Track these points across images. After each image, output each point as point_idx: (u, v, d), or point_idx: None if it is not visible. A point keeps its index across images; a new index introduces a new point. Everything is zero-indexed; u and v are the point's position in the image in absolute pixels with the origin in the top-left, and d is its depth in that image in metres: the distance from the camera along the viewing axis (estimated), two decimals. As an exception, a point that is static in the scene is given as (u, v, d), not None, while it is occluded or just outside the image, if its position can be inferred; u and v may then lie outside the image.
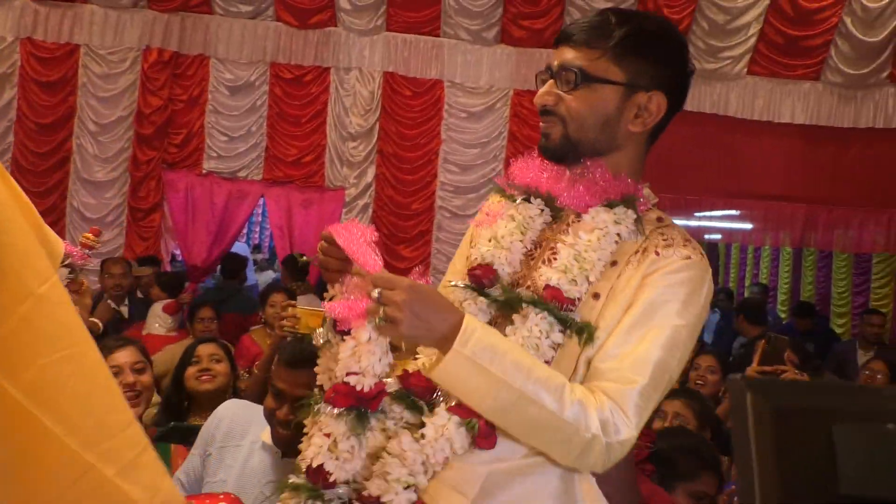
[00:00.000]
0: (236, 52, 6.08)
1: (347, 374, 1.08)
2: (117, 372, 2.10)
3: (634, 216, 1.17)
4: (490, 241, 1.21)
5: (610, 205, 1.18)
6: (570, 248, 1.16)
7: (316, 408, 1.14)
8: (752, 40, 5.71)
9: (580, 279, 1.14)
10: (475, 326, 1.07)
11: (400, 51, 6.02)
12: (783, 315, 8.41)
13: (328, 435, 1.09)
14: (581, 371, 1.13)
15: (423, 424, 1.12)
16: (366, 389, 1.08)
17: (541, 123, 1.22)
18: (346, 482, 1.12)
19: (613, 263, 1.16)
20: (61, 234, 5.87)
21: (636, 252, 1.17)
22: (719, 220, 7.79)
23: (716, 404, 3.06)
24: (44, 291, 0.88)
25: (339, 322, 1.12)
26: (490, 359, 1.05)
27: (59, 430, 0.86)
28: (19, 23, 5.95)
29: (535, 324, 1.12)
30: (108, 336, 2.91)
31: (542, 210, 1.23)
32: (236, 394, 2.79)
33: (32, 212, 1.01)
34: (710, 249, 10.31)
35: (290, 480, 1.15)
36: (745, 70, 5.82)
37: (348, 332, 1.10)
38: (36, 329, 0.87)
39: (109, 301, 4.55)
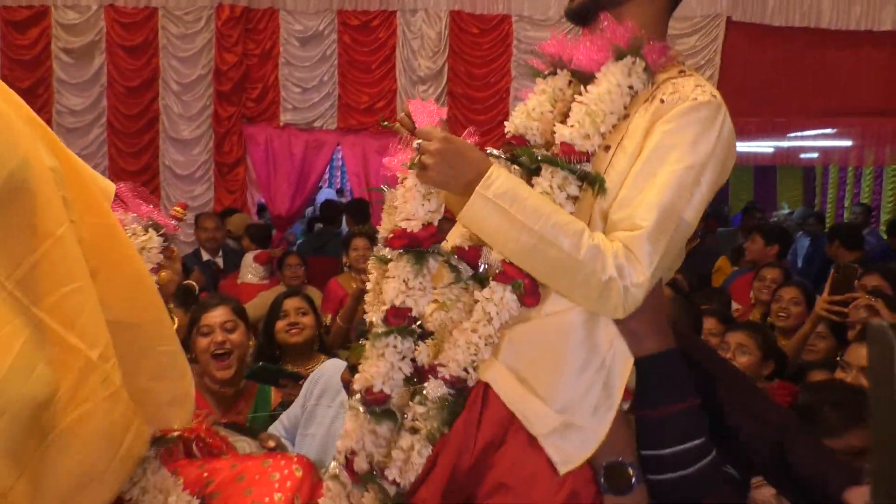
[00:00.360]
0: (304, 3, 6.12)
1: (401, 221, 1.21)
2: (208, 332, 2.24)
3: (643, 64, 1.19)
4: (523, 114, 1.28)
5: (618, 56, 1.20)
6: (581, 105, 1.19)
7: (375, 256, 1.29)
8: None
9: (592, 133, 1.17)
10: (499, 173, 1.15)
11: (466, -12, 5.89)
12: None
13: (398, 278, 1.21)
14: (598, 224, 1.18)
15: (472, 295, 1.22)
16: (415, 231, 1.19)
17: None
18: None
19: (626, 116, 1.19)
20: (156, 191, 6.25)
21: (645, 101, 1.19)
22: (814, 139, 7.33)
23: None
24: (61, 233, 1.06)
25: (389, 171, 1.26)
26: (511, 202, 1.13)
27: (83, 345, 1.08)
28: (96, -14, 6.20)
29: (549, 179, 1.18)
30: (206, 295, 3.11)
31: (570, 81, 1.26)
32: (322, 344, 2.98)
33: (72, 162, 1.18)
34: (807, 172, 9.75)
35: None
36: (839, -24, 5.35)
37: None
38: (54, 264, 1.06)
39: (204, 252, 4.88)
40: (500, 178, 1.15)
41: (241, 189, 6.39)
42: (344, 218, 6.04)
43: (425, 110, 1.26)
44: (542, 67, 1.31)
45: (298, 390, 2.26)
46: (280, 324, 2.80)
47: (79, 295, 1.08)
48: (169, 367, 1.30)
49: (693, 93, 1.17)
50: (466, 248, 1.24)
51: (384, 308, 1.21)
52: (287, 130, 6.31)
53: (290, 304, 2.84)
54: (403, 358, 1.21)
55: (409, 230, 1.19)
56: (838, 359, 2.21)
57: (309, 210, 8.48)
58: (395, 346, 1.20)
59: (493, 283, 1.19)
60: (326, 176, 9.67)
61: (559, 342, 1.18)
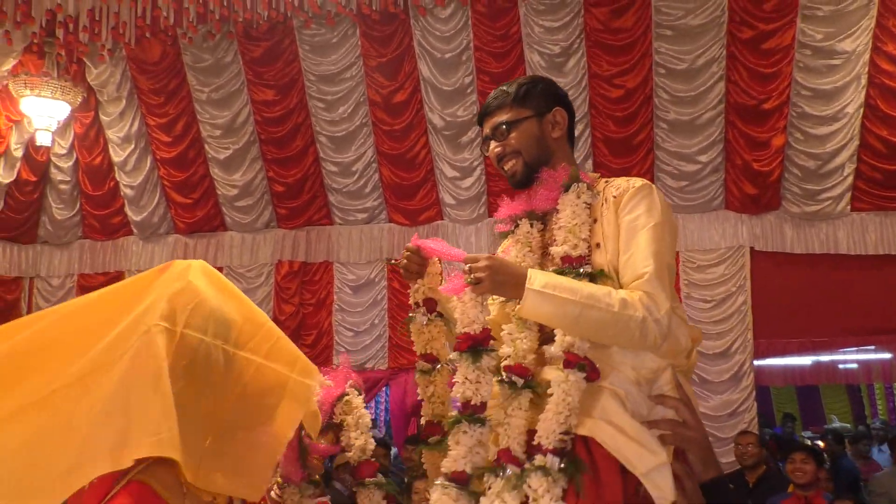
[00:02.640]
0: (356, 255, 6.69)
1: (463, 328, 1.53)
2: None
3: (585, 184, 1.63)
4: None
5: (566, 187, 1.63)
6: (561, 229, 1.59)
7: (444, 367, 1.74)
8: (850, 179, 5.76)
9: (578, 242, 1.57)
10: (535, 273, 1.50)
11: (503, 234, 6.45)
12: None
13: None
14: None
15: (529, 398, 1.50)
16: (477, 333, 1.52)
17: (505, 169, 1.72)
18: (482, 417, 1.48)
19: (595, 221, 1.61)
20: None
21: (601, 205, 1.62)
22: (853, 354, 7.43)
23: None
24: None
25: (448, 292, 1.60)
26: (553, 288, 1.47)
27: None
28: (172, 255, 6.85)
29: None
30: None
31: (532, 224, 1.66)
32: None
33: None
34: (852, 389, 9.64)
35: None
36: (849, 207, 5.83)
37: (436, 313, 1.75)
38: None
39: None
40: (539, 275, 1.50)
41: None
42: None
43: (437, 244, 1.70)
44: (502, 229, 1.73)
45: None
46: None
47: None
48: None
49: (628, 183, 1.62)
50: (513, 365, 1.52)
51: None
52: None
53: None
54: (478, 442, 1.47)
55: (471, 333, 1.52)
56: None
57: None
58: (466, 432, 1.46)
59: (563, 369, 1.46)
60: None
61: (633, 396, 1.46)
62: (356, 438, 1.68)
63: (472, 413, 1.47)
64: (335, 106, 6.32)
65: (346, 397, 1.69)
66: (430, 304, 1.78)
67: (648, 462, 1.39)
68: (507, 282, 1.49)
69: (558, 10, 5.79)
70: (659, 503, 1.37)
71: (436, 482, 1.49)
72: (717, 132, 5.87)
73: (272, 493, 1.61)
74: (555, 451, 1.41)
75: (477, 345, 1.51)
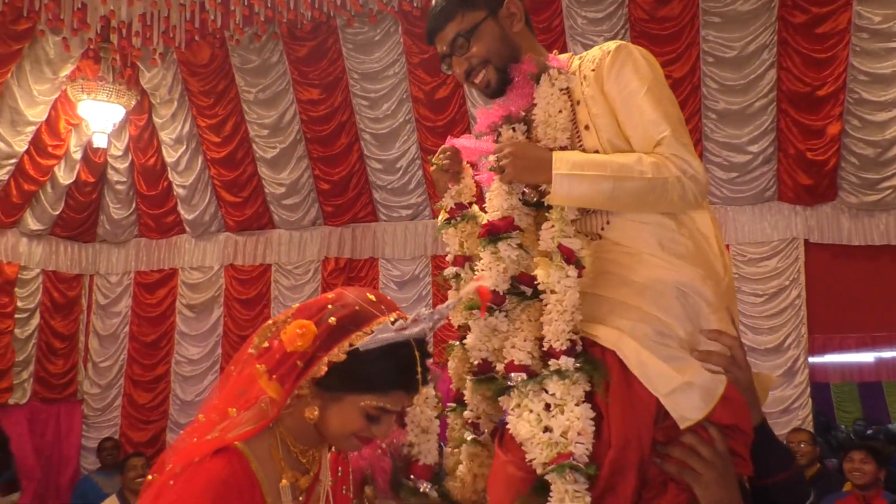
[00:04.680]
0: (401, 251, 6.74)
1: (489, 214, 1.50)
2: None
3: (556, 70, 1.51)
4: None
5: (536, 79, 1.53)
6: (540, 125, 1.49)
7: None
8: (912, 167, 5.51)
9: (557, 134, 1.47)
10: (560, 155, 1.42)
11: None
12: None
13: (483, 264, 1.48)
14: None
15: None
16: (495, 220, 1.48)
17: (476, 83, 1.58)
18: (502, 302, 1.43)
19: (578, 103, 1.50)
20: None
21: (580, 85, 1.50)
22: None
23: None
24: None
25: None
26: (581, 167, 1.40)
27: None
28: (223, 252, 7.04)
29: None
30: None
31: (514, 128, 1.54)
32: None
33: None
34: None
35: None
36: (911, 196, 5.58)
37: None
38: None
39: None
40: (564, 157, 1.42)
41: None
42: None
43: (468, 141, 1.64)
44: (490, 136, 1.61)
45: None
46: None
47: None
48: None
49: (601, 52, 1.50)
50: (519, 275, 1.47)
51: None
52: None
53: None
54: (493, 330, 1.45)
55: (492, 220, 1.48)
56: None
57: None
58: (477, 319, 1.46)
59: (559, 265, 1.40)
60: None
61: (666, 302, 1.37)
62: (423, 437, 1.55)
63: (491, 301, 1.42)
64: (378, 103, 6.37)
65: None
66: (464, 209, 1.71)
67: (672, 381, 1.29)
68: (531, 166, 1.43)
69: (601, 0, 5.71)
70: (680, 424, 1.28)
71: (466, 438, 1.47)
72: (769, 121, 5.68)
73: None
74: (567, 352, 1.34)
75: (497, 232, 1.46)
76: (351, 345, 1.21)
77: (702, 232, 1.46)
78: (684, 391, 1.28)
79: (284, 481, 1.25)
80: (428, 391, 1.53)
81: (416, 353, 1.24)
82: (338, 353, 1.21)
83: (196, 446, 1.20)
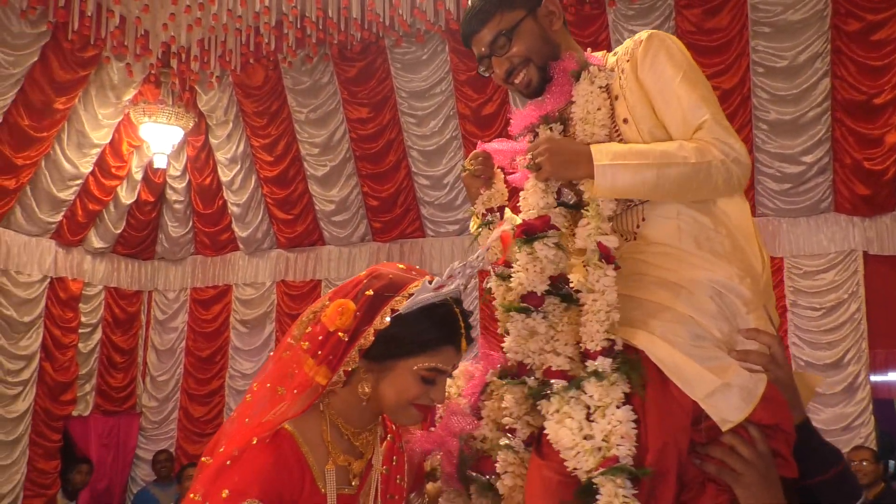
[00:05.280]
0: (448, 265, 6.76)
1: (523, 215, 1.47)
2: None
3: (596, 67, 1.50)
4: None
5: (576, 76, 1.52)
6: (579, 122, 1.47)
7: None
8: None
9: (596, 130, 1.46)
10: (598, 147, 1.40)
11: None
12: None
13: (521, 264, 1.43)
14: None
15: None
16: (531, 220, 1.45)
17: (516, 83, 1.56)
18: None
19: (617, 98, 1.48)
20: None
21: (618, 80, 1.49)
22: None
23: None
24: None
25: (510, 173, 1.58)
26: (623, 157, 1.38)
27: None
28: (275, 269, 7.20)
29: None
30: None
31: (551, 128, 1.52)
32: None
33: None
34: None
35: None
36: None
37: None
38: None
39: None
40: (604, 147, 1.40)
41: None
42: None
43: (501, 144, 1.60)
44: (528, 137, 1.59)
45: None
46: None
47: None
48: None
49: (634, 42, 1.49)
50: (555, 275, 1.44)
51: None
52: (434, 383, 6.62)
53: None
54: (530, 332, 1.40)
55: (527, 219, 1.45)
56: None
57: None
58: (514, 321, 1.41)
59: (597, 264, 1.37)
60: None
61: (701, 301, 1.34)
62: (489, 431, 1.52)
63: (523, 301, 1.38)
64: (426, 121, 6.47)
65: (489, 388, 1.56)
66: (494, 213, 1.69)
67: (709, 383, 1.25)
68: (569, 161, 1.41)
69: (648, 14, 5.71)
70: (721, 426, 1.25)
71: (500, 443, 1.43)
72: (823, 131, 5.57)
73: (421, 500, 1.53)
74: (604, 352, 1.32)
75: (533, 231, 1.42)
76: (393, 310, 1.24)
77: (739, 227, 1.43)
78: (723, 393, 1.25)
79: (330, 465, 1.26)
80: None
81: (456, 309, 1.27)
82: (381, 321, 1.24)
83: (249, 428, 1.23)
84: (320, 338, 1.25)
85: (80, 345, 6.86)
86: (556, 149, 1.43)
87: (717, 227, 1.41)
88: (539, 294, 1.40)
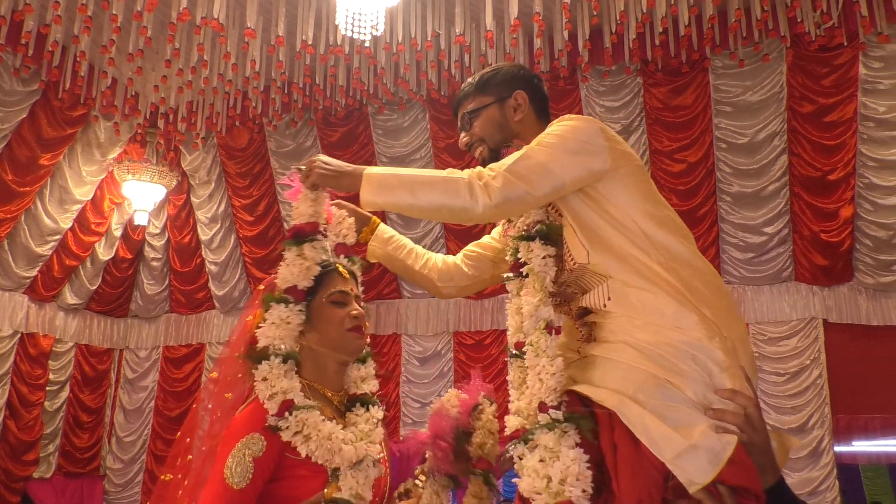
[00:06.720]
0: (423, 327, 6.87)
1: (293, 221, 1.71)
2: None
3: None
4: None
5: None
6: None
7: None
8: (925, 249, 5.63)
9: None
10: (371, 168, 1.58)
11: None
12: None
13: None
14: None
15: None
16: (304, 225, 1.68)
17: (475, 156, 1.80)
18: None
19: None
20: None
21: None
22: (947, 436, 6.96)
23: None
24: None
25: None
26: (387, 175, 1.57)
27: None
28: (250, 328, 7.19)
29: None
30: None
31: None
32: None
33: None
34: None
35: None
36: (927, 277, 5.68)
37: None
38: None
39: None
40: (377, 168, 1.59)
41: None
42: None
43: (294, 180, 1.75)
44: None
45: None
46: None
47: None
48: None
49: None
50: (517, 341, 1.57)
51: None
52: (407, 445, 6.60)
53: None
54: (284, 320, 1.63)
55: (297, 224, 1.67)
56: None
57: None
58: (273, 308, 1.64)
59: (535, 337, 1.49)
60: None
61: (674, 363, 1.39)
62: (484, 438, 1.73)
63: (285, 293, 1.60)
64: (405, 185, 6.66)
65: (479, 406, 1.78)
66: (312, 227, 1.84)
67: (677, 445, 1.29)
68: (336, 173, 1.60)
69: (618, 90, 6.06)
70: (688, 488, 1.26)
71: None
72: (783, 204, 5.89)
73: (416, 481, 1.74)
74: (555, 407, 1.42)
75: (303, 235, 1.65)
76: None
77: (710, 296, 1.49)
78: (690, 454, 1.27)
79: None
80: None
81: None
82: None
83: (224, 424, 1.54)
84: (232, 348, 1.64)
85: (47, 403, 6.73)
86: (323, 161, 1.65)
87: (688, 294, 1.47)
88: (300, 289, 1.62)
